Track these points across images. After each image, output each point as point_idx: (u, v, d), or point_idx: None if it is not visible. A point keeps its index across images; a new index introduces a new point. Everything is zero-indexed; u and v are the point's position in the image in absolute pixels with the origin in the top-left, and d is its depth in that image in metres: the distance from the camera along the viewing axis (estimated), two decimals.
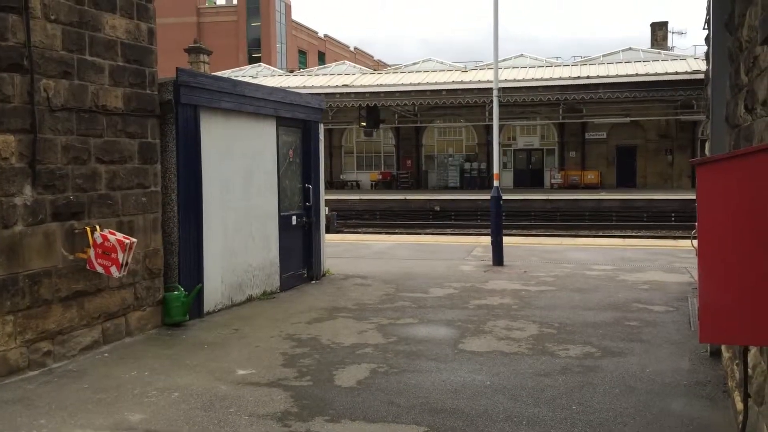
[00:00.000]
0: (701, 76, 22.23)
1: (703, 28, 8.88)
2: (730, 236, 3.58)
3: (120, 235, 6.93)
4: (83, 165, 6.89)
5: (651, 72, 33.33)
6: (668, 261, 12.94)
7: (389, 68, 46.60)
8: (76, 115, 6.80)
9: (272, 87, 11.14)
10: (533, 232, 23.90)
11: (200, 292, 8.38)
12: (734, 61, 5.90)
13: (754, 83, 4.56)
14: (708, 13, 7.62)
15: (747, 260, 3.50)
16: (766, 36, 3.80)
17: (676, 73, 32.33)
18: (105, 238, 6.80)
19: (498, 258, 12.85)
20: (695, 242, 4.07)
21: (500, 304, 9.19)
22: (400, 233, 23.60)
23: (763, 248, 3.47)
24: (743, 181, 3.59)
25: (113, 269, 6.78)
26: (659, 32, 44.69)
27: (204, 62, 41.14)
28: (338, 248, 14.91)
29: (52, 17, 6.51)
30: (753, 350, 4.39)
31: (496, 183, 13.49)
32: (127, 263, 6.88)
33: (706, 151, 7.80)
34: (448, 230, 26.12)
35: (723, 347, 6.29)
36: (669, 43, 44.85)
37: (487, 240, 14.56)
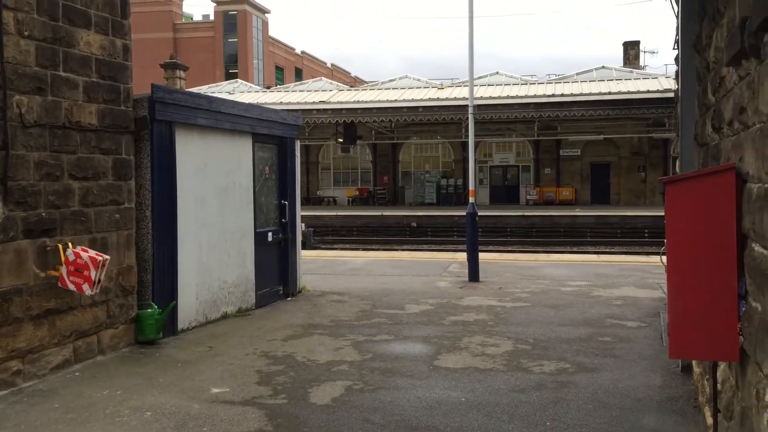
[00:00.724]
0: (672, 94, 22.64)
1: (673, 48, 9.07)
2: (696, 253, 3.65)
3: (93, 252, 6.86)
4: (56, 181, 6.83)
5: (624, 90, 33.84)
6: (641, 276, 13.10)
7: (366, 85, 46.78)
8: (50, 131, 6.75)
9: (248, 104, 11.14)
10: (509, 248, 24.02)
11: (174, 309, 8.31)
12: (702, 81, 6.04)
13: (720, 103, 4.67)
14: (677, 34, 7.79)
15: (714, 277, 3.57)
16: (731, 57, 3.90)
17: (648, 91, 32.86)
18: (77, 255, 6.73)
19: (474, 274, 12.91)
20: (664, 258, 4.14)
21: (476, 321, 9.23)
22: (377, 249, 23.58)
23: (729, 265, 3.54)
24: (710, 200, 3.67)
25: (85, 287, 6.70)
26: (631, 51, 45.46)
27: (180, 78, 40.94)
28: (314, 265, 14.88)
29: (26, 33, 6.47)
30: (722, 366, 4.46)
31: (471, 199, 13.57)
32: (99, 281, 6.81)
33: (677, 169, 7.94)
34: (425, 246, 26.16)
35: (694, 363, 6.38)
36: (641, 62, 45.59)
37: (463, 256, 14.64)
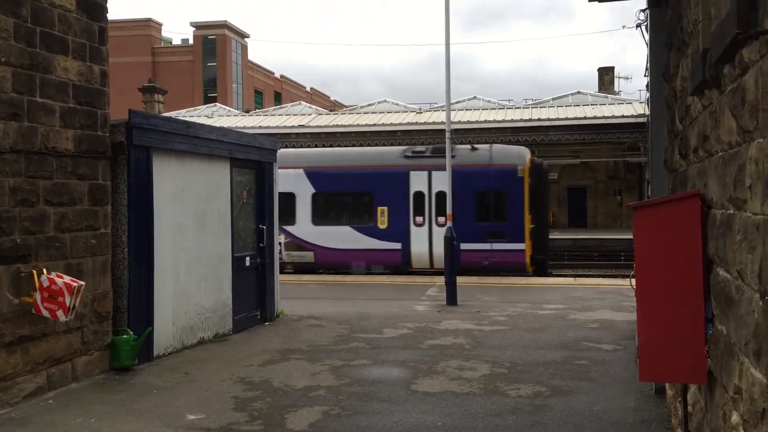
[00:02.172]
0: (645, 119, 23.02)
1: (645, 75, 9.28)
2: (664, 277, 3.73)
3: (68, 278, 6.82)
4: (31, 207, 6.79)
5: (599, 115, 34.31)
6: (617, 299, 13.22)
7: (345, 109, 47.00)
8: (25, 157, 6.73)
9: (226, 128, 11.18)
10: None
11: (150, 335, 8.24)
12: (670, 109, 6.19)
13: (686, 131, 4.80)
14: (648, 62, 7.99)
15: (681, 300, 3.66)
16: (695, 87, 4.03)
17: (623, 116, 33.35)
18: (52, 281, 6.68)
19: (452, 298, 12.96)
20: (634, 282, 4.22)
21: (453, 344, 9.26)
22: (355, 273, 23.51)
23: (695, 289, 3.63)
24: (676, 225, 3.77)
25: (60, 313, 6.65)
26: (606, 77, 46.17)
27: (159, 102, 40.87)
28: (292, 289, 14.83)
29: (3, 59, 6.48)
30: (692, 388, 4.53)
31: (449, 224, 13.66)
32: (74, 307, 6.76)
33: (649, 193, 8.09)
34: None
35: (667, 385, 6.45)
36: (615, 87, 46.32)
37: (441, 279, 14.69)
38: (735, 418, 3.04)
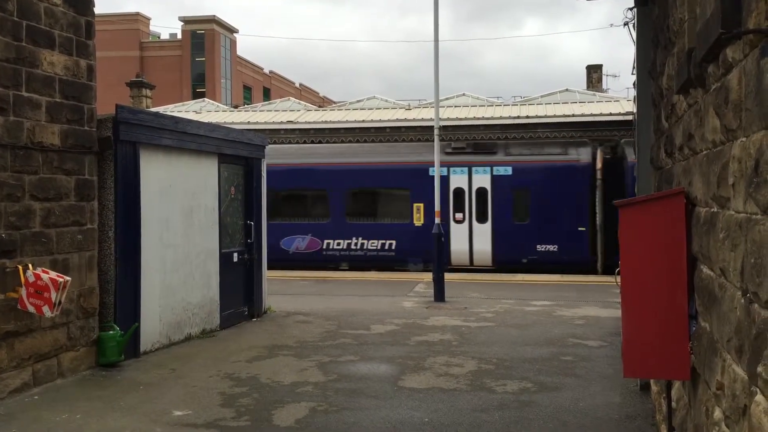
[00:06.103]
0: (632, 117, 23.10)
1: (632, 73, 9.33)
2: (649, 274, 3.76)
3: (53, 274, 6.78)
4: (17, 202, 6.75)
5: (587, 113, 34.38)
6: (603, 296, 13.30)
7: (334, 105, 46.89)
8: (11, 151, 6.69)
9: (214, 124, 11.14)
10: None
11: (137, 331, 8.22)
12: (657, 107, 6.23)
13: (672, 129, 4.83)
14: (635, 60, 8.03)
15: (665, 297, 3.69)
16: (680, 86, 4.06)
17: (610, 114, 33.46)
18: (38, 276, 6.65)
19: (439, 294, 12.99)
20: (619, 278, 4.25)
21: (440, 341, 9.29)
22: (344, 269, 23.53)
23: (679, 286, 3.66)
24: (661, 223, 3.80)
25: (45, 309, 6.61)
26: (594, 74, 46.26)
27: (146, 96, 40.62)
28: (282, 285, 14.81)
29: None
30: (676, 384, 4.57)
31: (437, 220, 13.68)
32: (60, 302, 6.73)
33: (636, 191, 8.14)
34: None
35: (652, 381, 6.51)
36: (603, 85, 46.42)
37: (429, 276, 14.71)
38: (717, 413, 3.07)
